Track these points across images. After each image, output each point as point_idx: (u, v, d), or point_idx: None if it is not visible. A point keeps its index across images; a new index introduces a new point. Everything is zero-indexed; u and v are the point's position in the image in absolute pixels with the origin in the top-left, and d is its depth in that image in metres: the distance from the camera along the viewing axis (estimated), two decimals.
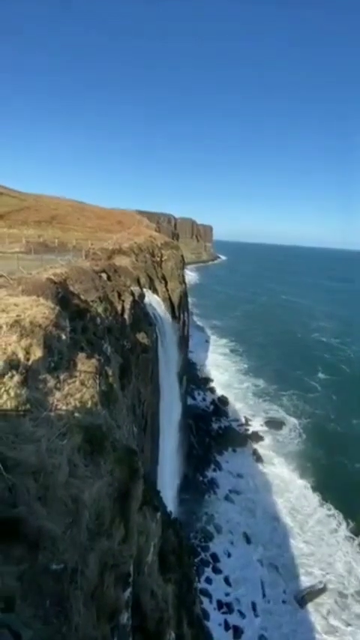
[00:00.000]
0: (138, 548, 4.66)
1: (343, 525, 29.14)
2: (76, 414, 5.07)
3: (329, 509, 30.75)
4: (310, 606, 23.34)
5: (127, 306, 19.56)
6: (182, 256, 51.17)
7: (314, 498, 32.24)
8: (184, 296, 45.88)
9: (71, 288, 13.94)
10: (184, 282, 48.54)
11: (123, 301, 19.47)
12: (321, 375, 59.54)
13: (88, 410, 5.44)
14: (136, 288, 23.26)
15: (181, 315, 43.30)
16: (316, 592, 23.96)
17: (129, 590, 4.20)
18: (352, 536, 28.12)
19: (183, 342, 44.05)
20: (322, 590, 24.21)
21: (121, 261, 29.51)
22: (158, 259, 41.59)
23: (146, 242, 41.76)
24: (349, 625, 22.19)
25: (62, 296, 11.31)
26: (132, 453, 4.99)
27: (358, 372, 60.98)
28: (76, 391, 5.80)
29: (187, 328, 51.93)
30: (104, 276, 20.80)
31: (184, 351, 44.98)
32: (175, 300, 40.00)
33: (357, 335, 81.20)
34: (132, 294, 21.00)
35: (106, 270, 21.83)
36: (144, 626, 4.39)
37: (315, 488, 33.30)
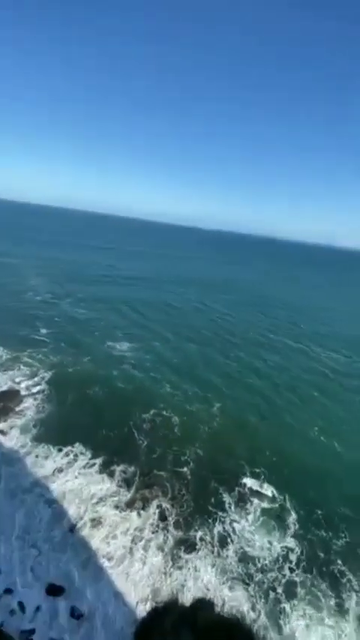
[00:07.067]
0: None
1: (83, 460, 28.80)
2: None
3: (62, 452, 28.97)
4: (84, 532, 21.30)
5: None
6: None
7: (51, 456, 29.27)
8: None
9: None
10: None
11: None
12: (44, 330, 55.55)
13: None
14: None
15: None
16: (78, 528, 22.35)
17: None
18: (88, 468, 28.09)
19: None
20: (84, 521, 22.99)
21: None
22: None
23: None
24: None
25: None
26: None
27: (75, 321, 62.75)
28: None
29: None
30: None
31: None
32: None
33: (67, 288, 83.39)
34: None
35: None
36: None
37: (51, 440, 30.31)
